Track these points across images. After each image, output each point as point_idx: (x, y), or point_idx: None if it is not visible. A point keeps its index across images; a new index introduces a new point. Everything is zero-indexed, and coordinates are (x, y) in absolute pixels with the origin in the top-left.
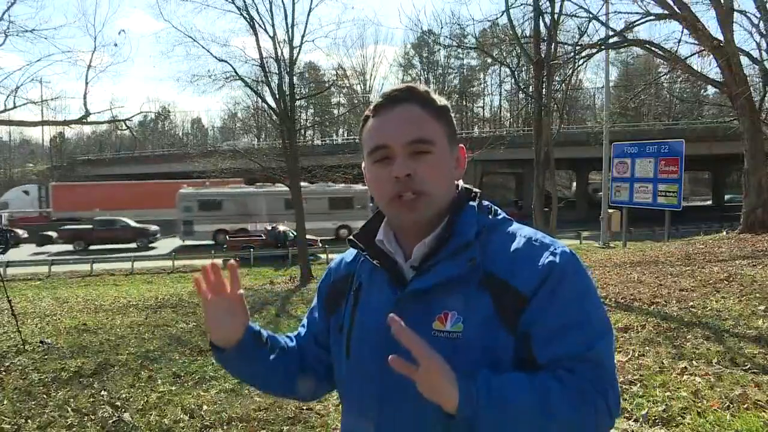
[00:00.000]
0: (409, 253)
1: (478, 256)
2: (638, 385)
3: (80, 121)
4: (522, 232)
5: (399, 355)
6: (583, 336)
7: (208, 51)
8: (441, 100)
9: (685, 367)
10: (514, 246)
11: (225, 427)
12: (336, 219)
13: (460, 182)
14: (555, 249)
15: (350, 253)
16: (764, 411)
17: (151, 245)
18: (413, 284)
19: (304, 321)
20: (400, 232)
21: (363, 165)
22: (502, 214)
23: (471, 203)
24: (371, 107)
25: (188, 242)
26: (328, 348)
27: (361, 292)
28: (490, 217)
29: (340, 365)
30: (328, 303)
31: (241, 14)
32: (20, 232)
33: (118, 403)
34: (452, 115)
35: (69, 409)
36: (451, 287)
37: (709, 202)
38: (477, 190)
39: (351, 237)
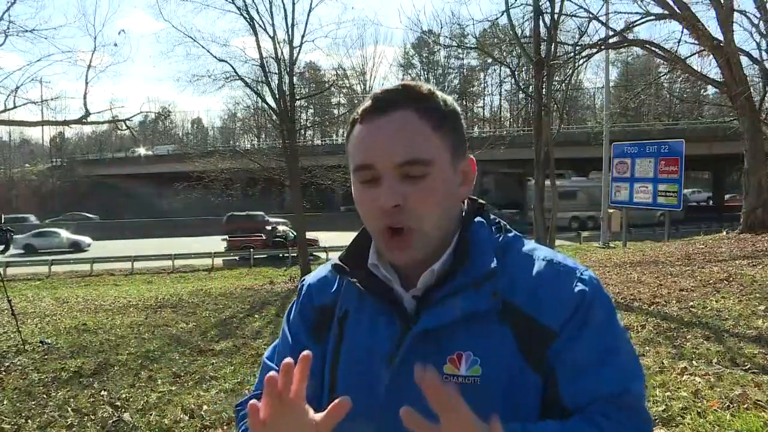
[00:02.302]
0: (407, 278)
1: (502, 289)
2: None
3: (80, 121)
4: (539, 253)
5: (398, 399)
6: (615, 374)
7: (208, 51)
8: (448, 103)
9: (685, 367)
10: (535, 272)
11: (225, 427)
12: None
13: None
14: (582, 275)
15: (327, 269)
16: (764, 411)
17: None
18: (424, 321)
19: (270, 359)
20: None
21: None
22: (513, 231)
23: (479, 219)
24: (359, 110)
25: None
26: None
27: (347, 321)
28: (501, 235)
29: (320, 402)
30: (315, 330)
31: (241, 14)
32: None
33: (118, 403)
34: (462, 120)
35: (69, 409)
36: (465, 322)
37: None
38: (482, 201)
39: (338, 261)
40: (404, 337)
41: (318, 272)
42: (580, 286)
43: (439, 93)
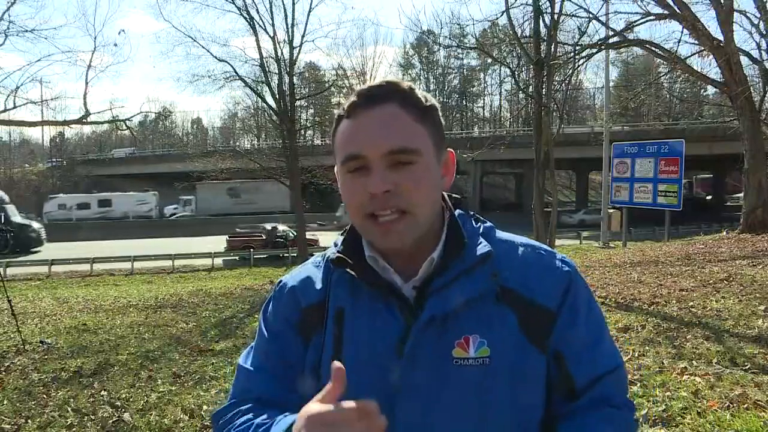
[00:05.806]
0: (400, 271)
1: (500, 270)
2: (638, 385)
3: (80, 121)
4: (517, 240)
5: (412, 388)
6: (608, 352)
7: (208, 51)
8: (427, 99)
9: (685, 367)
10: (521, 256)
11: None
12: None
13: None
14: (561, 257)
15: (311, 269)
16: (764, 411)
17: None
18: (430, 308)
19: (252, 363)
20: None
21: (336, 170)
22: (487, 221)
23: (460, 211)
24: (345, 106)
25: None
26: (290, 384)
27: (344, 318)
28: (479, 225)
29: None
30: (302, 331)
31: (241, 14)
32: None
33: (118, 403)
34: (440, 115)
35: (69, 409)
36: (467, 307)
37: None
38: (457, 195)
39: (339, 254)
40: (410, 327)
41: (298, 273)
42: (564, 267)
43: (418, 90)
